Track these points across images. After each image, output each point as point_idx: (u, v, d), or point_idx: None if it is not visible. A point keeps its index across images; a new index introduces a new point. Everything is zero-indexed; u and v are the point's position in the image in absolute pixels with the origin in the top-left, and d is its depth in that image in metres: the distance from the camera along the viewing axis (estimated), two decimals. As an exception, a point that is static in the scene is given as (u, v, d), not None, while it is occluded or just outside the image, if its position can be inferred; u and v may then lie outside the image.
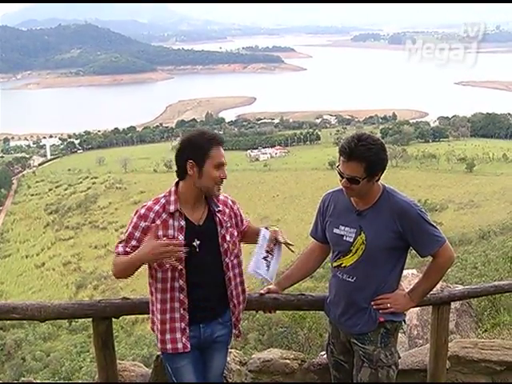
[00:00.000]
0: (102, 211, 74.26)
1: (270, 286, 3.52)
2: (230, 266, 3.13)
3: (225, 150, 3.06)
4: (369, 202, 3.10)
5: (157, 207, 3.00)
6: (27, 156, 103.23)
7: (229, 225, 3.15)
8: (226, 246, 3.10)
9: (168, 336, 3.05)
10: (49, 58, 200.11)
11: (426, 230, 3.03)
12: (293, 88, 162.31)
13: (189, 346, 3.06)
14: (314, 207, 3.40)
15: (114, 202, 75.68)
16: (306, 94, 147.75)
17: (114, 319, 3.56)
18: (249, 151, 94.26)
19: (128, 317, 4.28)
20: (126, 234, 3.01)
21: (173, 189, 3.06)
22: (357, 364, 3.21)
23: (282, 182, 77.70)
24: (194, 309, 3.03)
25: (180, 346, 3.05)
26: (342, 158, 3.00)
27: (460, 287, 4.44)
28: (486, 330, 6.78)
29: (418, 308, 6.26)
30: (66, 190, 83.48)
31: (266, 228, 3.29)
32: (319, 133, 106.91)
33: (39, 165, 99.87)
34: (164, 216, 2.99)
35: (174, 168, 3.06)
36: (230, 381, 3.81)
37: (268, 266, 3.17)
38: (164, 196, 3.05)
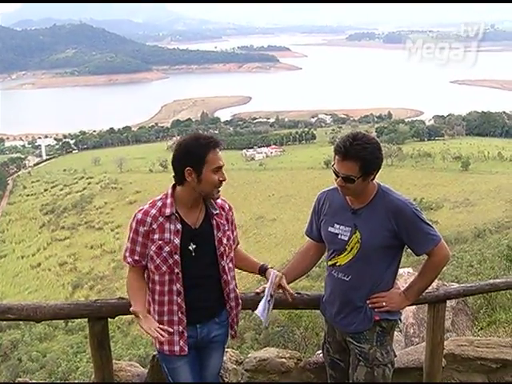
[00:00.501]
0: (97, 211, 74.12)
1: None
2: (226, 268, 3.13)
3: (220, 149, 3.05)
4: (364, 201, 3.10)
5: (153, 211, 3.00)
6: (22, 156, 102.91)
7: (226, 228, 3.15)
8: (222, 249, 3.09)
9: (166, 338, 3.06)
10: (44, 58, 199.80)
11: (421, 229, 3.04)
12: (288, 87, 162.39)
13: (186, 349, 3.06)
14: (310, 206, 3.39)
15: (110, 202, 75.55)
16: (302, 94, 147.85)
17: (110, 319, 3.56)
18: (244, 150, 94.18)
19: (124, 317, 4.27)
20: (130, 241, 3.03)
21: (169, 191, 3.05)
22: (353, 363, 3.21)
23: (277, 181, 77.69)
24: (190, 309, 3.03)
25: (177, 348, 3.06)
26: (337, 157, 3.00)
27: (456, 285, 4.44)
28: (481, 328, 6.79)
29: (414, 306, 6.27)
30: (61, 190, 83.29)
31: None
32: (314, 132, 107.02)
33: (34, 165, 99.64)
34: (161, 220, 2.98)
35: (170, 168, 3.05)
36: (226, 380, 3.81)
37: (268, 310, 3.15)
38: (161, 199, 3.04)
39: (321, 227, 3.27)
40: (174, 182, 3.06)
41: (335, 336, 3.36)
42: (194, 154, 2.93)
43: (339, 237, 3.13)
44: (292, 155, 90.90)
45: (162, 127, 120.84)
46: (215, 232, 3.08)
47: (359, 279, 3.11)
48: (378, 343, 3.15)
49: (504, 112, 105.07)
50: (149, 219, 2.97)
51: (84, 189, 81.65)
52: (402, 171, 74.21)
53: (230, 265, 3.18)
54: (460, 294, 4.20)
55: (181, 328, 3.05)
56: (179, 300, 3.02)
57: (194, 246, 3.01)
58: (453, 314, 6.85)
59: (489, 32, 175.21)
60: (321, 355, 3.76)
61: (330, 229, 3.18)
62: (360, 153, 2.93)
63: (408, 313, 6.70)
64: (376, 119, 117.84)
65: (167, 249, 2.96)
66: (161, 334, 2.83)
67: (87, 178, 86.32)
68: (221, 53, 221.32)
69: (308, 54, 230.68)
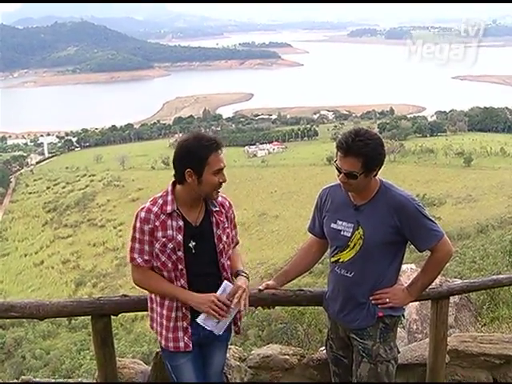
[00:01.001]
0: (100, 209, 74.21)
1: (269, 282, 3.52)
2: (225, 266, 3.13)
3: (221, 151, 3.01)
4: (366, 197, 3.10)
5: (155, 208, 2.99)
6: (25, 154, 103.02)
7: (226, 225, 3.15)
8: (221, 246, 3.09)
9: (170, 335, 3.06)
10: (45, 56, 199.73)
11: (424, 225, 3.03)
12: (290, 84, 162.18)
13: (191, 345, 3.06)
14: (312, 203, 3.39)
15: (112, 200, 75.62)
16: (303, 90, 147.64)
17: (113, 317, 3.56)
18: (246, 147, 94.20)
19: (128, 314, 4.27)
20: (137, 242, 3.01)
21: (170, 188, 3.05)
22: (356, 359, 3.21)
23: (279, 177, 77.68)
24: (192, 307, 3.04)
25: (182, 344, 3.06)
26: (339, 153, 3.01)
27: (459, 281, 4.44)
28: (485, 324, 6.79)
29: (417, 302, 6.27)
30: (63, 187, 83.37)
31: (230, 281, 3.12)
32: (317, 128, 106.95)
33: (37, 163, 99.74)
34: (162, 217, 2.98)
35: (172, 165, 3.04)
36: (229, 377, 3.81)
37: (218, 320, 3.03)
38: (161, 196, 3.04)
39: (323, 224, 3.27)
40: (173, 180, 3.06)
41: (338, 332, 3.36)
42: (196, 155, 2.92)
43: (342, 233, 3.12)
44: (294, 152, 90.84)
45: (164, 124, 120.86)
46: (215, 229, 3.08)
47: (362, 275, 3.11)
48: (382, 339, 3.15)
49: (506, 107, 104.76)
50: (152, 217, 2.97)
51: (86, 186, 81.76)
52: (405, 167, 74.14)
53: (229, 262, 3.17)
54: (463, 290, 4.21)
55: (185, 324, 3.05)
56: None
57: (193, 244, 3.01)
58: (456, 309, 6.85)
59: (491, 27, 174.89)
60: (324, 352, 3.76)
61: (333, 225, 3.18)
62: (362, 149, 2.93)
63: (411, 309, 6.70)
64: (378, 115, 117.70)
65: (171, 245, 2.97)
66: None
67: (89, 176, 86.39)
68: (222, 50, 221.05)
69: (309, 50, 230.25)
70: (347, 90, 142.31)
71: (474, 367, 4.13)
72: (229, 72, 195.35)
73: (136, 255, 3.01)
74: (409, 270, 6.81)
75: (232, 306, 2.99)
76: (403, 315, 3.31)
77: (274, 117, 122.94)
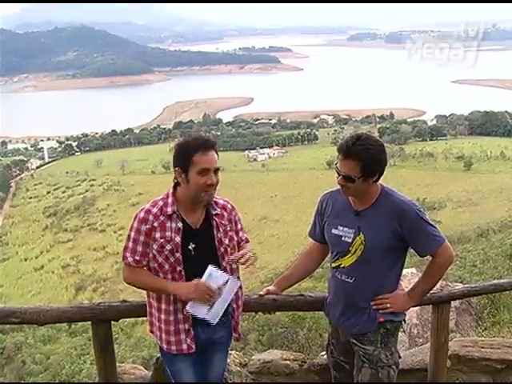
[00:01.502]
0: (100, 213, 74.14)
1: (270, 287, 3.53)
2: (227, 269, 3.11)
3: (222, 150, 3.05)
4: (367, 203, 3.10)
5: (155, 209, 3.01)
6: (25, 159, 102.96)
7: (228, 228, 3.14)
8: (222, 249, 3.09)
9: (172, 338, 3.06)
10: (45, 61, 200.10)
11: (425, 230, 3.03)
12: (290, 88, 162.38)
13: (193, 346, 3.07)
14: (313, 207, 3.39)
15: (113, 204, 75.56)
16: (303, 94, 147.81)
17: (113, 322, 3.56)
18: (246, 152, 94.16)
19: (128, 319, 4.26)
20: (131, 240, 3.03)
21: (170, 191, 3.07)
22: (357, 364, 3.20)
23: (280, 182, 77.61)
24: None
25: (185, 347, 3.06)
26: (339, 155, 3.03)
27: (460, 286, 4.43)
28: (485, 329, 6.78)
29: (417, 307, 6.26)
30: (64, 192, 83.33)
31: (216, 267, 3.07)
32: (317, 133, 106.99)
33: (37, 167, 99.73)
34: (162, 218, 2.99)
35: (172, 169, 3.06)
36: (230, 382, 3.80)
37: (211, 306, 3.00)
38: (162, 198, 3.06)
39: (324, 229, 3.27)
40: (175, 182, 3.08)
41: (339, 338, 3.35)
42: (182, 154, 2.97)
43: (343, 239, 3.12)
44: (294, 156, 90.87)
45: (164, 129, 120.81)
46: (215, 232, 3.08)
47: (363, 281, 3.11)
48: (383, 344, 3.14)
49: (506, 111, 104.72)
50: (151, 217, 2.99)
51: (86, 191, 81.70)
52: (405, 171, 74.02)
53: (233, 266, 3.16)
54: (464, 294, 4.20)
55: (187, 326, 3.05)
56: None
57: (193, 246, 3.02)
58: (456, 314, 6.84)
59: (490, 31, 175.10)
60: (325, 357, 3.76)
61: (334, 231, 3.18)
62: (362, 153, 2.94)
63: (412, 313, 6.69)
64: (378, 119, 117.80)
65: (169, 247, 2.97)
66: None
67: (90, 180, 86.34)
68: (222, 54, 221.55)
69: (309, 54, 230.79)
70: (347, 95, 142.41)
71: (475, 372, 4.12)
72: (229, 76, 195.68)
73: (128, 254, 3.03)
74: (409, 275, 6.79)
75: (220, 291, 2.99)
76: (404, 320, 3.30)
77: (273, 121, 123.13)
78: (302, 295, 3.62)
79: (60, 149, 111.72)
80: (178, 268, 2.99)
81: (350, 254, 3.11)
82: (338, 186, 3.14)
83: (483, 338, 4.72)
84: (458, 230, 50.84)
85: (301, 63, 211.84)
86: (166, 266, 2.99)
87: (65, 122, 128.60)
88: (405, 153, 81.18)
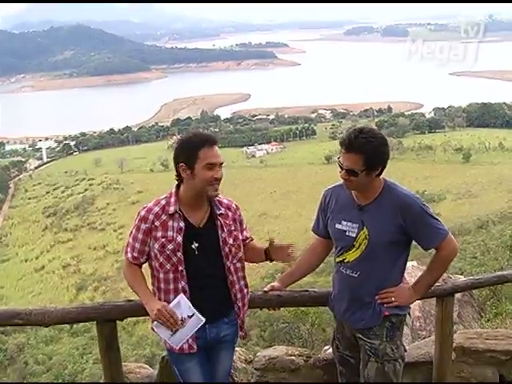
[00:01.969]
0: (99, 212, 74.14)
1: (274, 284, 3.52)
2: (232, 269, 3.12)
3: (221, 147, 3.04)
4: (370, 197, 3.09)
5: (156, 208, 3.02)
6: (23, 159, 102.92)
7: (232, 228, 3.15)
8: (227, 249, 3.09)
9: None
10: (42, 61, 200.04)
11: (429, 224, 3.03)
12: (287, 83, 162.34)
13: (195, 346, 3.06)
14: (312, 202, 3.41)
15: (112, 203, 75.54)
16: (301, 89, 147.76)
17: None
18: (245, 148, 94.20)
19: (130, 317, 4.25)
20: (131, 237, 3.07)
21: (173, 190, 3.07)
22: (363, 359, 3.20)
23: (278, 177, 77.63)
24: (197, 309, 3.01)
25: (186, 346, 3.05)
26: (342, 149, 3.02)
27: (463, 278, 4.44)
28: (488, 320, 6.79)
29: (420, 300, 6.27)
30: (63, 192, 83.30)
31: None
32: (315, 127, 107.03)
33: (35, 168, 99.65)
34: (163, 217, 3.00)
35: (171, 167, 3.08)
36: (236, 379, 3.80)
37: (174, 332, 2.97)
38: (165, 197, 3.07)
39: (328, 224, 3.26)
40: (177, 182, 3.09)
41: (344, 332, 3.35)
42: (187, 149, 2.98)
43: (347, 233, 3.12)
44: (292, 151, 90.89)
45: (162, 126, 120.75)
46: (219, 232, 3.08)
47: (368, 275, 3.11)
48: (388, 338, 3.14)
49: (504, 103, 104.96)
50: (151, 216, 3.00)
51: (86, 190, 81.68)
52: (403, 164, 73.95)
53: (238, 265, 3.16)
54: (468, 286, 4.21)
55: None
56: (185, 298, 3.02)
57: (196, 245, 3.02)
58: (459, 306, 6.84)
59: (487, 23, 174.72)
60: (329, 351, 3.76)
61: (338, 226, 3.17)
62: (364, 146, 2.93)
63: (414, 306, 6.68)
64: (376, 113, 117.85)
65: (170, 246, 2.98)
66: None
67: (88, 180, 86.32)
68: (219, 51, 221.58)
69: (306, 49, 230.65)
70: (345, 89, 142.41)
71: (480, 364, 4.12)
72: (226, 73, 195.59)
73: (128, 249, 3.09)
74: (411, 268, 6.80)
75: (184, 322, 2.96)
76: (409, 313, 3.30)
77: (271, 117, 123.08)
78: (307, 291, 3.61)
79: (58, 148, 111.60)
80: (180, 268, 2.99)
81: (354, 249, 3.11)
82: (340, 181, 3.14)
83: (487, 330, 4.72)
84: (458, 221, 50.91)
85: (298, 58, 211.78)
86: (168, 266, 3.00)
87: (62, 121, 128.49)
88: (403, 146, 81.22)
